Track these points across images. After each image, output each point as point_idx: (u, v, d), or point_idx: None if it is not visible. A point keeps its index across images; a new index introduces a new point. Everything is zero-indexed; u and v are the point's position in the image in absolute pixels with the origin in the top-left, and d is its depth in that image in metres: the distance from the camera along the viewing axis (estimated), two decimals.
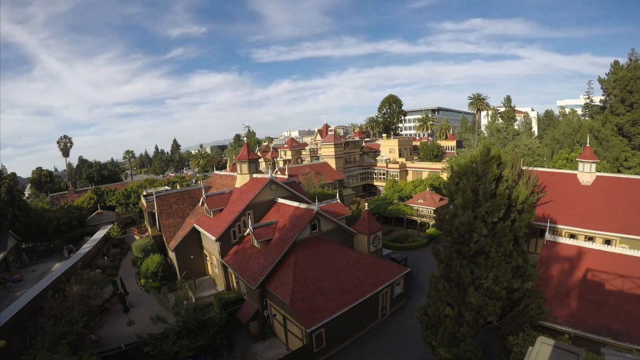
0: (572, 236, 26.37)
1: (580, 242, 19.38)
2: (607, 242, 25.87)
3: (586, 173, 30.27)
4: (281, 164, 61.62)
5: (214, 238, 26.61)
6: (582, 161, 30.60)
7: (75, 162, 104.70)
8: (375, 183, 64.54)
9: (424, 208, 40.59)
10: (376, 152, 70.91)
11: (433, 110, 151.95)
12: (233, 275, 26.45)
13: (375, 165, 65.06)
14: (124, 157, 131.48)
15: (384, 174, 63.64)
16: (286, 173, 41.28)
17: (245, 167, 31.49)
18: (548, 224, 22.47)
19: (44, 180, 75.23)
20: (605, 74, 51.58)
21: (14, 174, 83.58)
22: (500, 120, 65.98)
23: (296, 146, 76.41)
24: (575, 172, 31.40)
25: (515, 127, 68.57)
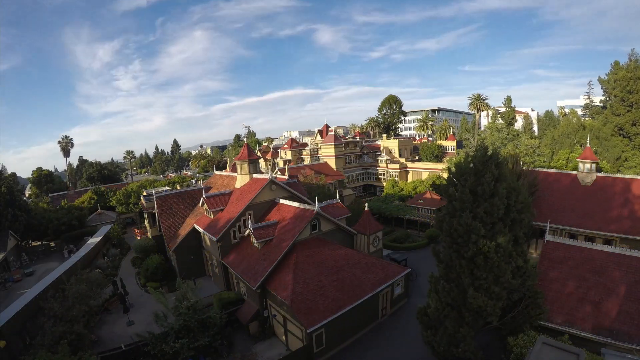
0: (572, 236, 26.35)
1: (580, 243, 19.36)
2: (608, 242, 25.87)
3: (586, 173, 30.26)
4: (281, 164, 61.63)
5: (214, 238, 26.62)
6: (582, 161, 30.59)
7: (75, 162, 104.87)
8: (376, 183, 64.56)
9: (424, 208, 40.59)
10: (376, 153, 70.93)
11: (433, 111, 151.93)
12: (233, 276, 26.45)
13: (376, 166, 65.06)
14: (124, 158, 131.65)
15: (384, 174, 63.63)
16: (286, 173, 41.27)
17: (245, 167, 31.50)
18: (548, 224, 22.44)
19: (44, 180, 75.30)
20: (606, 74, 51.54)
21: (14, 174, 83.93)
22: (501, 121, 65.94)
23: (296, 146, 76.41)
24: (575, 172, 31.39)
25: (517, 127, 68.57)
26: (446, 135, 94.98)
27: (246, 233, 27.15)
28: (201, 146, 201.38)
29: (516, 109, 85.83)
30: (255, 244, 25.05)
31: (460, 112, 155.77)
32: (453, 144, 78.70)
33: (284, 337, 21.28)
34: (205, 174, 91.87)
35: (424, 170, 60.80)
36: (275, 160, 72.67)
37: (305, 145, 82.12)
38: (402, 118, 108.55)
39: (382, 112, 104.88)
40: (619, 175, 30.40)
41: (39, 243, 45.46)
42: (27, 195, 76.42)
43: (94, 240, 38.72)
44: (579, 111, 78.71)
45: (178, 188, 46.06)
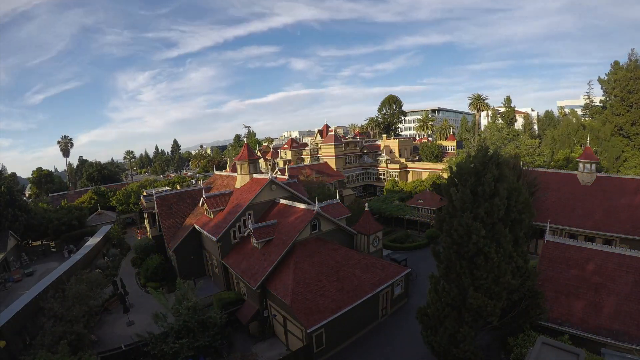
0: (572, 236, 26.34)
1: (580, 243, 19.38)
2: (608, 242, 25.88)
3: (586, 173, 30.26)
4: (281, 164, 61.62)
5: (214, 238, 26.62)
6: (582, 161, 30.59)
7: (75, 163, 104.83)
8: (376, 183, 64.57)
9: (424, 208, 40.58)
10: (376, 153, 70.94)
11: (433, 111, 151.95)
12: (233, 276, 26.46)
13: (376, 166, 65.06)
14: (124, 158, 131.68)
15: (384, 175, 63.63)
16: (286, 173, 41.27)
17: (245, 167, 31.49)
18: (548, 224, 22.46)
19: (44, 180, 75.32)
20: (605, 74, 51.57)
21: (14, 174, 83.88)
22: (501, 121, 65.97)
23: (296, 146, 76.45)
24: (575, 172, 31.40)
25: (517, 127, 68.55)
26: (446, 135, 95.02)
27: (246, 233, 27.15)
28: (201, 146, 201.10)
29: (516, 109, 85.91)
30: (255, 244, 25.05)
31: (460, 112, 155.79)
32: (453, 144, 78.67)
33: (284, 337, 21.29)
34: (205, 174, 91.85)
35: (424, 170, 60.79)
36: (275, 160, 72.71)
37: (305, 145, 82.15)
38: (402, 118, 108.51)
39: (382, 112, 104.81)
40: (619, 175, 30.42)
41: (39, 243, 45.47)
42: (27, 195, 76.48)
43: (94, 240, 38.71)
44: (579, 111, 78.76)
45: (178, 188, 46.07)
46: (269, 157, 78.81)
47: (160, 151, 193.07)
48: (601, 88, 53.72)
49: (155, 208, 34.24)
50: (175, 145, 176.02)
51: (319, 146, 68.06)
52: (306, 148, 76.43)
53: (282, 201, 29.17)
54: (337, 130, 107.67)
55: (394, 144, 69.66)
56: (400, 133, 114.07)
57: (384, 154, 66.44)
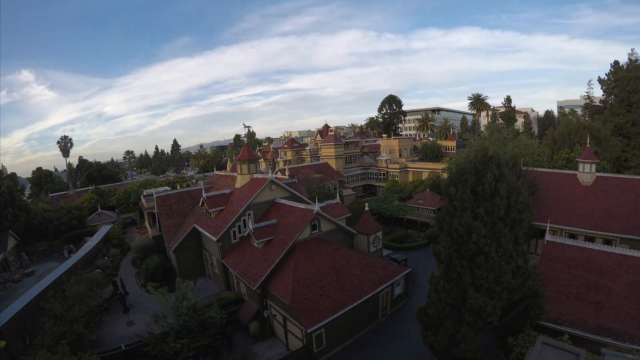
0: (572, 236, 26.35)
1: (580, 243, 19.37)
2: (608, 242, 25.88)
3: (586, 173, 30.26)
4: (281, 164, 61.66)
5: (214, 238, 26.61)
6: (582, 161, 30.58)
7: (75, 162, 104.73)
8: (376, 183, 64.57)
9: (424, 208, 40.58)
10: (376, 153, 70.95)
11: (433, 111, 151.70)
12: (233, 276, 26.46)
13: (376, 166, 65.07)
14: (124, 158, 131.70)
15: (384, 174, 63.64)
16: (286, 173, 41.29)
17: (245, 167, 31.50)
18: (548, 224, 22.45)
19: (43, 180, 75.27)
20: (606, 74, 51.60)
21: (14, 174, 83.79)
22: (500, 121, 65.91)
23: (296, 146, 76.48)
24: (575, 172, 31.39)
25: (517, 127, 68.49)
26: (446, 135, 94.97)
27: (246, 233, 27.15)
28: (201, 146, 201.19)
29: (516, 108, 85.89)
30: (255, 244, 25.05)
31: (460, 112, 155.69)
32: (453, 144, 78.48)
33: (284, 337, 21.30)
34: (205, 174, 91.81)
35: (424, 170, 60.76)
36: (275, 160, 72.75)
37: (305, 145, 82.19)
38: (402, 118, 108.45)
39: (382, 112, 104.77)
40: (619, 175, 30.40)
41: (39, 243, 45.41)
42: (26, 195, 76.43)
43: (94, 240, 38.69)
44: (579, 111, 78.71)
45: (178, 188, 46.07)
46: (269, 157, 78.82)
47: (160, 151, 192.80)
48: (601, 88, 53.77)
49: (155, 208, 34.26)
50: (175, 145, 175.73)
51: (319, 146, 68.10)
52: (306, 148, 76.49)
53: (282, 201, 29.17)
54: (337, 130, 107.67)
55: (394, 144, 69.64)
56: (400, 133, 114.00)
57: (384, 154, 66.41)
